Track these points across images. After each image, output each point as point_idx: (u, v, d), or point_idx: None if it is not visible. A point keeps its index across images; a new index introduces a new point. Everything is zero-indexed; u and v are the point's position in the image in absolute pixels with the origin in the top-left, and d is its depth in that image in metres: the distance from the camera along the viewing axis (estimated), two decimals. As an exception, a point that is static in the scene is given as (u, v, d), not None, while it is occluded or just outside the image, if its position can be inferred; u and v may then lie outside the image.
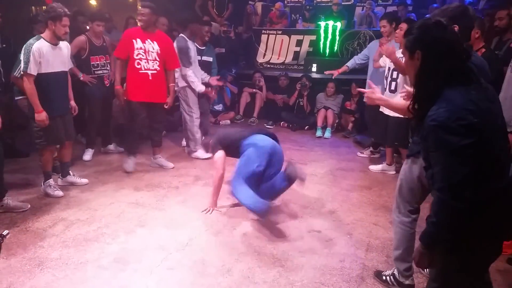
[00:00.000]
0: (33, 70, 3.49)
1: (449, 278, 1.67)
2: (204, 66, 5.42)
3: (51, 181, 3.92)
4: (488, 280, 1.81)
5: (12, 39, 4.86)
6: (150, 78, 4.43)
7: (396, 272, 2.53)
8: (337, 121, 6.68)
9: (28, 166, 4.56)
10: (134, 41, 4.33)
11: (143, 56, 4.37)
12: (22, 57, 3.48)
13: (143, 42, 4.36)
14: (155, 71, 4.45)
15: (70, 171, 4.20)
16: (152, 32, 4.41)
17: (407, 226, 2.44)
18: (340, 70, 5.62)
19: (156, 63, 4.44)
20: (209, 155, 4.72)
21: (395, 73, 4.24)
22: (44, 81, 3.60)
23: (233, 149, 3.56)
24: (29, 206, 3.64)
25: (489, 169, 1.51)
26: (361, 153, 5.43)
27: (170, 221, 3.44)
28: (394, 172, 4.62)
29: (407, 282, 2.50)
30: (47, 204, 3.70)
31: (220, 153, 3.53)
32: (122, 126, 5.36)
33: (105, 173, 4.51)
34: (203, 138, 5.05)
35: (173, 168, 4.76)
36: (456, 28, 2.16)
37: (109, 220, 3.42)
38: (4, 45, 4.29)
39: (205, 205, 3.71)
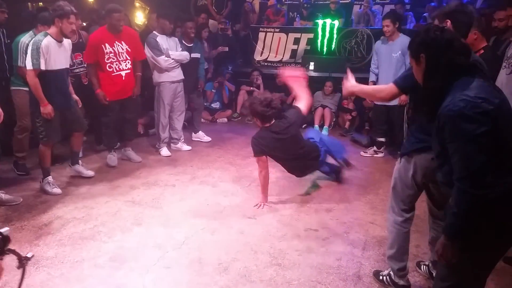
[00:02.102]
0: (42, 65, 3.58)
1: (464, 275, 1.70)
2: (192, 63, 5.42)
3: (50, 178, 3.92)
4: None
5: (13, 35, 4.80)
6: (124, 78, 4.47)
7: (391, 272, 2.53)
8: (334, 119, 6.67)
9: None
10: (103, 46, 4.30)
11: (114, 59, 4.38)
12: (30, 53, 3.56)
13: (112, 45, 4.35)
14: (128, 70, 4.49)
15: (79, 161, 4.26)
16: (119, 32, 4.40)
17: (401, 225, 2.44)
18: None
19: (128, 62, 4.48)
20: (169, 153, 5.06)
21: None
22: (48, 78, 3.68)
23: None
24: (21, 199, 3.66)
25: (506, 159, 1.55)
26: (364, 152, 5.39)
27: (166, 219, 3.42)
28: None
29: (401, 282, 2.50)
30: (42, 202, 3.68)
31: (263, 159, 3.62)
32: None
33: (101, 171, 4.49)
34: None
35: (140, 162, 4.82)
36: (448, 22, 2.18)
37: (105, 218, 3.41)
38: (8, 41, 4.27)
39: (201, 203, 3.72)
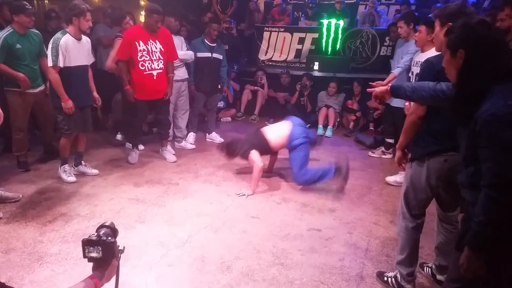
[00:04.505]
0: (61, 62, 3.73)
1: (474, 279, 1.59)
2: (214, 63, 5.43)
3: (66, 166, 4.06)
4: None
5: None
6: (155, 78, 4.46)
7: (398, 275, 2.52)
8: (338, 119, 6.67)
9: (28, 160, 4.54)
10: (136, 43, 4.31)
11: (146, 57, 4.37)
12: (49, 50, 3.72)
13: (146, 43, 4.35)
14: (160, 70, 4.48)
15: (82, 161, 4.32)
16: (155, 32, 4.40)
17: (412, 231, 2.43)
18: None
19: (160, 62, 4.46)
20: (173, 152, 5.05)
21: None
22: (67, 74, 3.81)
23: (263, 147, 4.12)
24: (21, 196, 3.68)
25: None
26: (372, 153, 5.36)
27: (170, 217, 3.43)
28: None
29: (408, 286, 2.49)
30: (47, 199, 3.70)
31: (254, 153, 4.00)
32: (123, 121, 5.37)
33: (106, 169, 4.50)
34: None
35: (175, 162, 4.80)
36: (451, 25, 2.17)
37: (109, 215, 3.41)
38: None
39: (205, 202, 3.73)
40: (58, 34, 3.76)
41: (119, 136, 5.45)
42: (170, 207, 3.64)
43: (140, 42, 4.32)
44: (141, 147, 5.07)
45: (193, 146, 5.40)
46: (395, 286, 2.53)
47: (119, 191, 3.95)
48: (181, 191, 4.01)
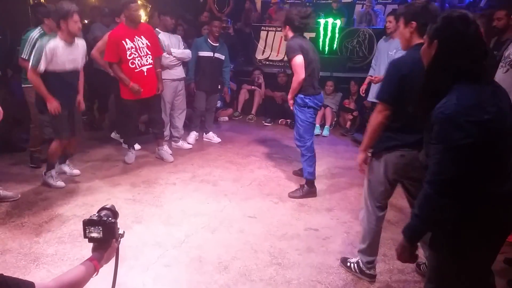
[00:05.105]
0: (42, 67, 3.53)
1: (445, 279, 1.64)
2: (215, 63, 5.38)
3: (53, 171, 3.95)
4: (493, 282, 1.77)
5: (9, 31, 4.82)
6: (146, 74, 4.41)
7: (359, 261, 2.64)
8: (335, 119, 6.67)
9: (24, 160, 4.51)
10: (123, 42, 4.24)
11: (135, 54, 4.32)
12: (34, 51, 3.55)
13: (132, 40, 4.29)
14: (150, 66, 4.43)
15: (67, 160, 4.26)
16: (138, 24, 4.36)
17: (373, 223, 2.53)
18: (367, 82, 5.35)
19: (149, 57, 4.41)
20: (169, 151, 4.96)
21: None
22: (53, 79, 3.63)
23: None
24: (20, 195, 3.66)
25: (491, 171, 1.48)
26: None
27: (167, 218, 3.42)
28: None
29: (368, 272, 2.61)
30: (43, 200, 3.68)
31: (300, 58, 3.70)
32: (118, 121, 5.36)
33: (102, 169, 4.49)
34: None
35: (172, 162, 4.77)
36: (414, 24, 2.20)
37: (106, 216, 3.40)
38: (0, 37, 4.28)
39: (202, 202, 3.73)
40: (47, 37, 3.61)
41: (113, 134, 5.45)
42: (167, 207, 3.63)
43: (127, 40, 4.26)
44: (137, 147, 5.05)
45: (190, 146, 5.39)
46: (357, 271, 2.65)
47: (115, 191, 3.93)
48: (178, 191, 4.00)
